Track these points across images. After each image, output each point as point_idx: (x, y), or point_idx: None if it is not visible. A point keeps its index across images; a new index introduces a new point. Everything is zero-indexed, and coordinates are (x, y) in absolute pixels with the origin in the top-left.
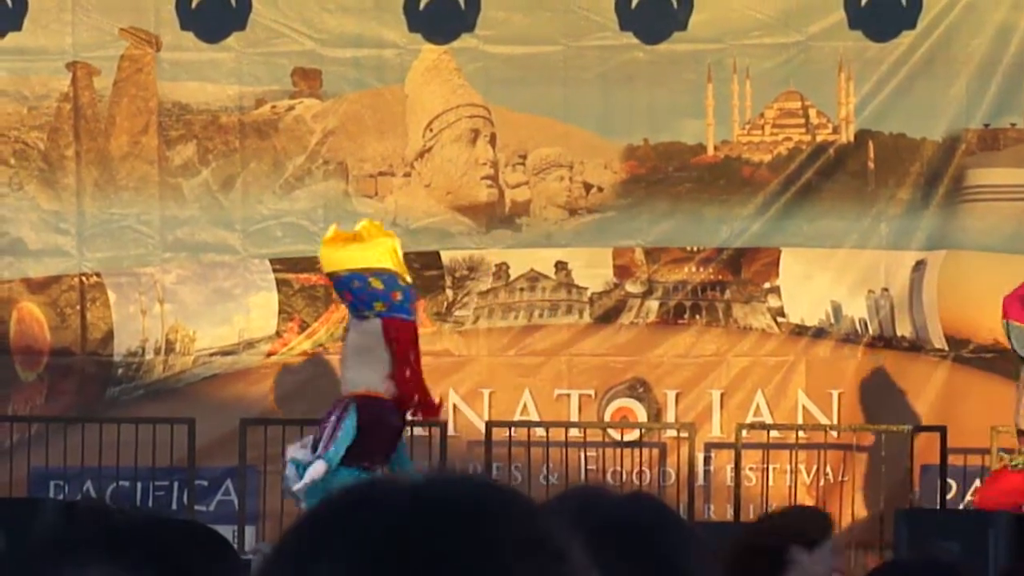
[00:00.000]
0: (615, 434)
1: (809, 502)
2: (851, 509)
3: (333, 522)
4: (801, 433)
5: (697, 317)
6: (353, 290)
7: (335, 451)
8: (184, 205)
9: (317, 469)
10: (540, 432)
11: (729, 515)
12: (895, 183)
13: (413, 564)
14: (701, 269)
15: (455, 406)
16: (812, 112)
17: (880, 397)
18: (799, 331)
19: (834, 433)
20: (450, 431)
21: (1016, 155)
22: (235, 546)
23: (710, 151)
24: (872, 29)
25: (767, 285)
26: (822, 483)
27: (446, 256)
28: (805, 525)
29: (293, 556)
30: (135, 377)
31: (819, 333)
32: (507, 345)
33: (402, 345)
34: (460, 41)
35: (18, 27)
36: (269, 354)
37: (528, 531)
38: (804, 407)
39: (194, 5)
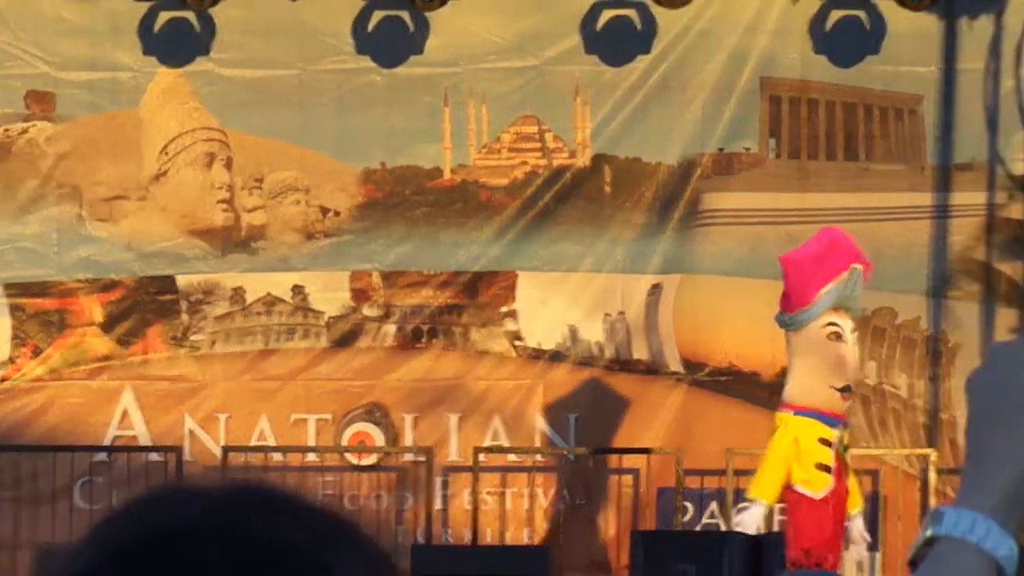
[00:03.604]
0: (353, 459)
1: (546, 525)
2: (588, 532)
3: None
4: (539, 456)
5: (434, 341)
6: None
7: None
8: None
9: None
10: (277, 457)
11: (467, 539)
12: (631, 207)
13: None
14: (438, 293)
15: (191, 431)
16: (548, 136)
17: (617, 420)
18: (536, 355)
19: (571, 456)
20: (186, 456)
21: (750, 179)
22: None
23: (447, 175)
24: (607, 54)
25: (504, 309)
26: (560, 506)
27: (182, 280)
28: None
29: None
30: None
31: (556, 356)
32: (244, 369)
33: None
34: (195, 64)
35: None
36: (2, 380)
37: None
38: (542, 431)
39: None
